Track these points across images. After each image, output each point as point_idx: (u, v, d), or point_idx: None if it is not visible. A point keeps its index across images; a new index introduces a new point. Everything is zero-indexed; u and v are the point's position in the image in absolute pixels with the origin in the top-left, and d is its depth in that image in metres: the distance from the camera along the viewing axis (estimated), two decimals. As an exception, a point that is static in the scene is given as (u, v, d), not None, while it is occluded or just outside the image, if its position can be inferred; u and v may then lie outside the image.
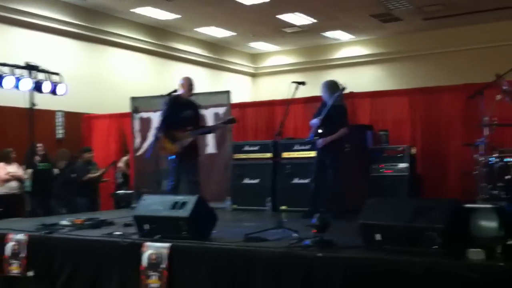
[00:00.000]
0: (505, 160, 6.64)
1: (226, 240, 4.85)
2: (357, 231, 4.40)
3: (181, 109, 6.87)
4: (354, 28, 13.31)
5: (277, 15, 11.91)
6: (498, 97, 6.54)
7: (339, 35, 13.98)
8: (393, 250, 4.06)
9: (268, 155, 8.50)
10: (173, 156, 6.89)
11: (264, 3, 10.88)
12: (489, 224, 3.98)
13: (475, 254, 3.79)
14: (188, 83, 7.08)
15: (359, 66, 14.12)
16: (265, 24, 12.72)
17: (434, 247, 3.91)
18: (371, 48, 14.46)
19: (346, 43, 14.76)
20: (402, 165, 7.69)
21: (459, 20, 12.21)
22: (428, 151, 8.26)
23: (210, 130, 7.74)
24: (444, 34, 12.97)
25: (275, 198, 7.94)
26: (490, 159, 6.69)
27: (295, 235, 5.04)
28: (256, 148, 8.72)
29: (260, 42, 14.74)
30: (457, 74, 11.80)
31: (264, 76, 16.35)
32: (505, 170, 6.58)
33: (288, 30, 13.22)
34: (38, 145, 9.26)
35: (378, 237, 4.23)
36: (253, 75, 16.60)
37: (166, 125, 6.78)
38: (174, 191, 6.89)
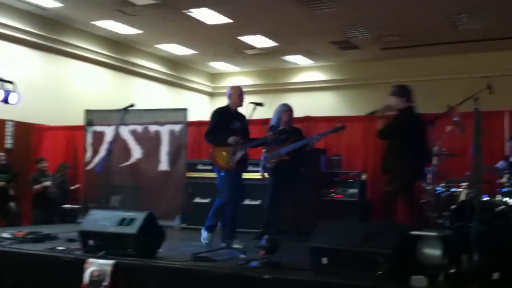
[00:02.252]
0: (451, 190, 6.81)
1: (173, 259, 4.77)
2: (306, 253, 4.41)
3: (230, 121, 6.38)
4: (313, 54, 13.49)
5: (238, 36, 11.97)
6: (449, 128, 6.73)
7: (298, 59, 14.15)
8: (340, 274, 4.08)
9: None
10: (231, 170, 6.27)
11: (226, 23, 10.93)
12: (434, 252, 4.04)
13: (418, 281, 3.84)
14: (236, 93, 6.54)
15: (316, 91, 14.30)
16: (226, 44, 12.78)
17: (379, 272, 3.95)
18: (329, 74, 14.68)
19: (305, 68, 14.94)
20: (352, 190, 7.79)
21: (414, 51, 12.54)
22: (379, 177, 8.37)
23: (263, 142, 6.84)
24: (400, 64, 13.28)
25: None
26: (437, 188, 6.84)
27: (242, 256, 5.02)
28: (209, 167, 8.65)
29: (221, 62, 14.77)
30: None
31: (223, 96, 16.29)
32: (451, 200, 6.73)
33: (249, 51, 13.31)
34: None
35: (325, 260, 4.24)
36: (211, 95, 16.60)
37: (216, 138, 6.32)
38: (221, 208, 6.40)
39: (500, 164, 6.99)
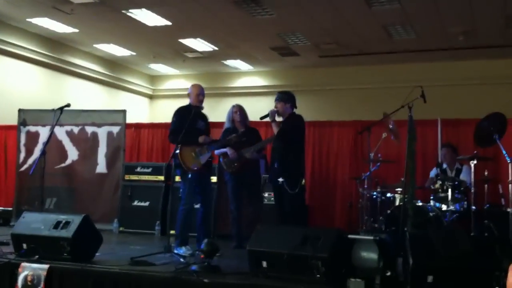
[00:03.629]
0: (387, 195, 7.01)
1: (110, 263, 4.69)
2: (245, 257, 4.44)
3: (194, 120, 6.06)
4: (253, 59, 13.58)
5: (179, 39, 11.89)
6: (384, 135, 6.93)
7: (238, 64, 14.20)
8: (278, 277, 4.13)
9: (161, 177, 8.38)
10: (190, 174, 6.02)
11: (166, 26, 10.84)
12: (370, 255, 4.16)
13: (355, 284, 3.94)
14: (194, 92, 6.26)
15: (256, 96, 14.37)
16: (166, 46, 12.67)
17: (317, 275, 4.02)
18: (268, 80, 14.82)
19: (245, 73, 15.02)
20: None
21: (351, 60, 12.84)
22: (317, 182, 8.53)
23: (226, 144, 6.54)
24: (338, 72, 13.58)
25: (164, 221, 7.80)
26: (373, 193, 7.03)
27: (182, 260, 4.99)
28: (148, 170, 8.57)
29: (160, 64, 14.62)
30: (347, 110, 12.39)
31: (162, 99, 16.20)
32: (386, 205, 6.94)
33: (189, 55, 13.25)
34: None
35: (264, 264, 4.29)
36: (150, 97, 16.41)
37: (181, 138, 5.94)
38: (189, 214, 6.06)
39: (433, 171, 7.26)
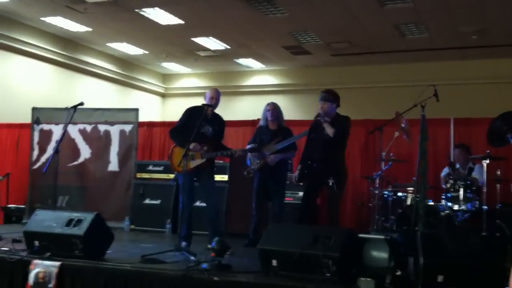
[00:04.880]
0: (398, 194, 6.99)
1: (122, 260, 4.72)
2: (256, 256, 4.45)
3: (200, 123, 5.95)
4: (265, 58, 13.58)
5: (191, 37, 11.93)
6: (396, 134, 6.89)
7: (250, 63, 14.21)
8: (289, 276, 4.13)
9: (172, 176, 8.41)
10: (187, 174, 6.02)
11: (179, 24, 10.88)
12: (380, 254, 4.15)
13: (365, 283, 3.93)
14: (210, 96, 6.21)
15: (268, 94, 14.33)
16: (178, 45, 12.71)
17: (327, 274, 4.02)
18: (280, 78, 14.81)
19: (257, 72, 15.02)
20: (302, 193, 7.85)
21: (363, 58, 12.80)
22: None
23: (230, 154, 6.32)
24: (349, 71, 13.53)
25: (175, 220, 7.83)
26: (384, 192, 7.01)
27: (193, 258, 5.01)
28: (160, 168, 8.62)
29: (172, 62, 14.67)
30: (358, 109, 12.30)
31: (174, 97, 16.25)
32: (398, 204, 6.91)
33: (201, 53, 13.28)
34: None
35: (274, 262, 4.29)
36: (163, 95, 16.47)
37: (180, 137, 6.06)
38: (185, 213, 6.05)
39: (445, 170, 7.22)
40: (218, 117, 6.36)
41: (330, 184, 5.90)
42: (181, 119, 6.22)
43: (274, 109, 6.89)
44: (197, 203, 7.02)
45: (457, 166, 7.18)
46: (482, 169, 6.42)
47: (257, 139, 6.84)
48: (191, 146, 5.94)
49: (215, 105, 6.23)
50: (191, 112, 6.21)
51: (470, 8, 9.24)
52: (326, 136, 6.07)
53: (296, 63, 13.83)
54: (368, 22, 10.25)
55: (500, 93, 11.54)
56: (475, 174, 6.92)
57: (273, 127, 6.84)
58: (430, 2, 9.04)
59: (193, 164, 6.06)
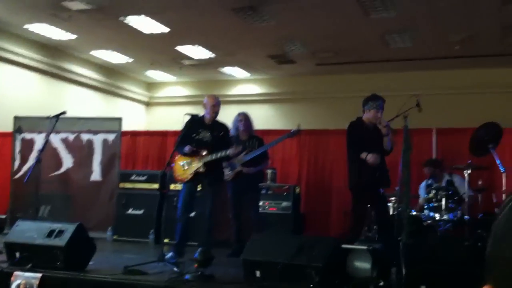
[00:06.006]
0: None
1: (104, 272, 4.67)
2: (240, 266, 4.43)
3: (196, 130, 6.15)
4: (251, 67, 13.59)
5: (176, 46, 11.90)
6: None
7: (236, 71, 14.21)
8: (272, 287, 4.12)
9: (156, 185, 8.36)
10: (185, 183, 6.14)
11: (164, 33, 10.85)
12: (363, 265, 4.15)
13: (349, 293, 3.93)
14: (209, 103, 6.25)
15: (253, 104, 14.37)
16: (163, 53, 12.68)
17: (311, 285, 4.01)
18: (265, 87, 14.83)
19: (242, 80, 15.03)
20: (286, 203, 7.86)
21: (348, 68, 12.86)
22: (312, 190, 8.53)
23: (226, 156, 6.25)
24: (334, 80, 13.59)
25: (159, 230, 7.77)
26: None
27: (176, 269, 4.97)
28: (144, 177, 8.56)
29: (158, 71, 14.62)
30: (343, 118, 12.32)
31: (159, 106, 16.20)
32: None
33: (187, 62, 13.25)
34: None
35: (258, 273, 4.27)
36: (147, 104, 16.40)
37: (179, 147, 6.05)
38: (181, 223, 6.14)
39: (423, 183, 7.27)
40: (219, 124, 6.36)
41: (382, 192, 5.96)
42: (182, 130, 6.20)
43: (246, 119, 6.95)
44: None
45: (429, 182, 7.18)
46: (462, 179, 6.46)
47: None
48: (186, 148, 5.97)
49: (215, 113, 6.26)
50: (188, 122, 6.17)
51: (454, 18, 9.34)
52: (383, 146, 5.88)
53: (281, 72, 13.86)
54: (353, 31, 10.30)
55: (484, 103, 11.65)
56: (457, 185, 6.97)
57: (244, 137, 6.87)
58: (414, 12, 9.12)
59: (190, 170, 6.06)
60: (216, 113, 6.27)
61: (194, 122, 6.16)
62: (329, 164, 8.51)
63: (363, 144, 5.79)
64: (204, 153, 6.08)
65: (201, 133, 6.18)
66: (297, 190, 8.13)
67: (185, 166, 6.11)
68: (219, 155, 6.15)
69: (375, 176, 5.71)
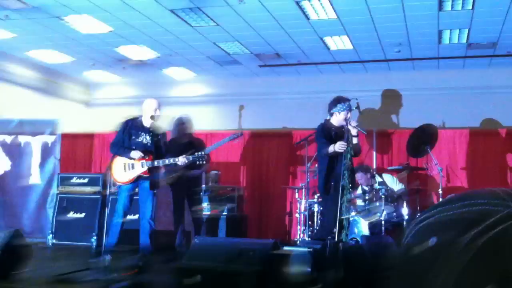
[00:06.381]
0: (323, 205, 7.09)
1: (32, 280, 4.53)
2: (181, 271, 4.39)
3: (136, 133, 6.05)
4: (194, 67, 13.50)
5: (119, 45, 11.70)
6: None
7: (179, 72, 14.08)
8: (212, 292, 4.10)
9: (97, 188, 8.20)
10: (125, 186, 6.04)
11: (106, 32, 10.65)
12: (302, 267, 4.19)
13: (288, 296, 3.96)
14: (151, 107, 6.18)
15: (196, 104, 14.28)
16: (104, 53, 12.43)
17: (250, 289, 4.02)
18: (209, 88, 14.76)
19: (186, 81, 14.91)
20: (230, 205, 7.88)
21: (291, 69, 12.97)
22: (256, 192, 8.57)
23: (174, 164, 6.27)
24: (277, 81, 13.66)
25: (101, 234, 7.63)
26: (310, 202, 7.12)
27: (115, 275, 4.88)
28: (85, 180, 8.38)
29: (99, 71, 14.32)
30: (286, 119, 12.48)
31: (101, 107, 15.87)
32: (322, 214, 7.02)
33: (129, 62, 13.04)
34: None
35: (198, 278, 4.25)
36: (88, 104, 16.05)
37: (117, 149, 6.00)
38: (120, 226, 6.01)
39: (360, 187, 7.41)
40: (157, 127, 6.32)
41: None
42: (118, 132, 6.13)
43: (187, 122, 6.95)
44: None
45: (363, 186, 7.32)
46: (393, 177, 6.63)
47: (171, 152, 6.80)
48: (132, 152, 5.90)
49: (155, 116, 6.21)
50: (125, 124, 6.13)
51: (392, 23, 9.56)
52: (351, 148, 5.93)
53: (224, 73, 13.83)
54: (296, 34, 10.40)
55: (420, 105, 11.96)
56: (389, 184, 7.12)
57: (185, 139, 6.85)
58: (353, 16, 9.28)
59: (133, 174, 5.98)
60: (157, 116, 6.20)
61: (132, 124, 6.11)
62: (272, 165, 8.58)
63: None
64: (147, 157, 5.98)
65: (140, 136, 6.10)
66: (241, 191, 8.15)
67: (125, 169, 6.02)
68: (167, 161, 6.12)
69: (345, 179, 5.68)
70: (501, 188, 0.76)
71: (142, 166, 6.02)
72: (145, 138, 6.14)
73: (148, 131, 6.18)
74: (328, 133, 5.91)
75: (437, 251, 0.70)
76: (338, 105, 6.02)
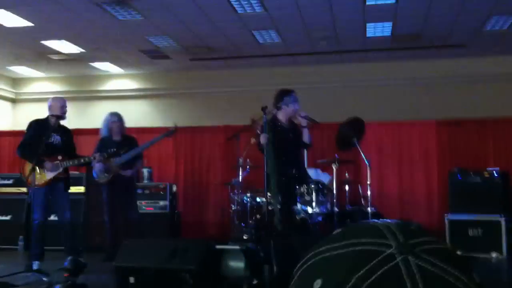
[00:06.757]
0: (257, 200, 7.17)
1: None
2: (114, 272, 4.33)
3: (47, 134, 5.90)
4: (123, 62, 13.23)
5: (41, 40, 11.30)
6: (253, 140, 7.07)
7: (107, 67, 13.77)
8: (146, 293, 4.07)
9: (23, 189, 7.93)
10: (41, 188, 5.86)
11: (27, 27, 10.26)
12: (237, 264, 4.23)
13: (223, 294, 3.98)
14: (57, 105, 6.06)
15: (127, 99, 14.05)
16: (28, 48, 11.97)
17: (185, 288, 4.01)
18: (140, 83, 14.52)
19: (115, 76, 14.60)
20: (163, 202, 7.82)
21: (222, 63, 12.94)
22: (189, 188, 8.54)
23: (88, 162, 6.27)
24: (209, 76, 13.60)
25: (28, 236, 7.39)
26: (243, 198, 7.16)
27: (45, 279, 4.77)
28: (10, 181, 8.11)
29: (23, 66, 13.79)
30: (219, 114, 12.48)
31: (27, 103, 15.31)
32: (256, 210, 7.09)
33: (54, 56, 12.62)
34: None
35: (131, 280, 4.20)
36: (13, 101, 15.44)
37: (30, 151, 5.79)
38: (42, 228, 5.88)
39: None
40: (64, 127, 6.25)
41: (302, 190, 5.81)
42: (27, 133, 6.00)
43: (118, 120, 6.88)
44: (52, 217, 6.74)
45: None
46: (324, 173, 6.78)
47: (103, 151, 6.69)
48: (46, 164, 5.81)
49: (64, 115, 6.12)
50: (36, 125, 6.01)
51: (319, 16, 9.71)
52: (301, 143, 5.86)
53: (155, 67, 13.65)
54: (225, 27, 10.38)
55: (347, 97, 12.23)
56: (316, 178, 7.28)
57: (117, 137, 6.78)
58: (281, 9, 9.36)
59: (48, 176, 5.85)
60: (63, 115, 6.12)
61: (41, 126, 6.03)
62: (205, 161, 8.57)
63: (280, 145, 5.75)
64: (60, 158, 5.91)
65: (51, 137, 6.01)
66: (174, 188, 8.11)
67: (40, 171, 5.89)
68: (82, 160, 6.09)
69: (292, 174, 5.76)
70: (387, 223, 0.74)
71: (57, 168, 5.92)
72: (56, 139, 6.05)
73: (57, 131, 6.10)
74: (272, 132, 5.90)
75: None
76: (285, 98, 6.02)
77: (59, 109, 6.08)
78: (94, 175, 6.71)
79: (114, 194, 6.68)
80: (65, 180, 6.11)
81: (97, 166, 6.61)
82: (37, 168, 5.80)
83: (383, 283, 0.65)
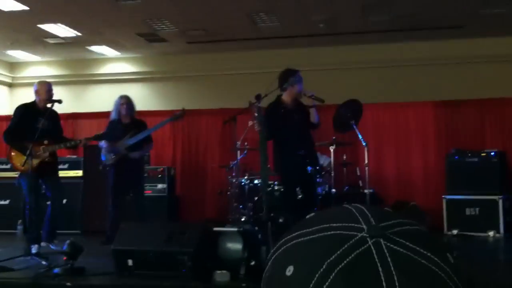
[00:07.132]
0: (254, 182, 7.21)
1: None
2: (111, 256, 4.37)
3: (35, 118, 5.90)
4: (120, 45, 13.18)
5: (38, 24, 11.24)
6: (250, 122, 7.08)
7: (104, 50, 13.70)
8: (144, 275, 4.11)
9: (21, 174, 7.95)
10: (29, 173, 5.83)
11: (23, 10, 10.20)
12: (235, 246, 4.27)
13: (220, 276, 4.03)
14: (44, 89, 6.09)
15: (124, 83, 13.99)
16: (24, 32, 11.91)
17: (183, 270, 4.06)
18: (137, 66, 14.46)
19: (112, 59, 14.54)
20: (161, 186, 7.86)
21: (219, 46, 12.88)
22: (187, 172, 8.57)
23: (75, 145, 6.35)
24: (206, 58, 13.54)
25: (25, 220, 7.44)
26: (241, 181, 7.20)
27: (44, 263, 4.80)
28: (8, 166, 8.10)
29: (19, 50, 13.73)
30: (216, 97, 12.45)
31: (24, 87, 15.24)
32: (254, 191, 7.13)
33: (51, 40, 12.56)
34: None
35: (130, 262, 4.25)
36: (10, 85, 15.40)
37: (17, 137, 5.84)
38: (35, 212, 5.87)
39: None
40: (52, 110, 6.21)
41: (311, 171, 5.65)
42: (13, 119, 6.02)
43: (128, 103, 6.85)
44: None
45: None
46: (321, 154, 6.78)
47: (110, 133, 6.72)
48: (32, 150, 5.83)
49: (50, 99, 6.16)
50: (22, 110, 6.03)
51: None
52: (307, 124, 5.79)
53: (152, 51, 13.59)
54: (222, 10, 10.33)
55: (345, 79, 12.21)
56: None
57: (126, 120, 6.78)
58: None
59: (35, 161, 5.89)
60: (51, 98, 6.13)
61: (29, 110, 6.06)
62: (203, 144, 8.59)
63: (284, 129, 5.67)
64: (46, 142, 5.97)
65: (40, 121, 5.99)
66: (172, 172, 8.13)
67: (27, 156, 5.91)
68: (68, 144, 6.16)
69: (300, 156, 5.63)
70: (359, 206, 0.73)
71: (44, 152, 5.94)
72: (45, 123, 6.03)
73: (44, 115, 6.06)
74: (276, 116, 5.80)
75: (293, 281, 0.66)
76: (290, 78, 5.96)
77: (45, 93, 6.12)
78: (103, 157, 6.74)
79: (120, 178, 6.67)
80: (53, 164, 6.15)
81: (104, 149, 6.67)
82: (22, 152, 5.82)
83: (355, 268, 0.64)
